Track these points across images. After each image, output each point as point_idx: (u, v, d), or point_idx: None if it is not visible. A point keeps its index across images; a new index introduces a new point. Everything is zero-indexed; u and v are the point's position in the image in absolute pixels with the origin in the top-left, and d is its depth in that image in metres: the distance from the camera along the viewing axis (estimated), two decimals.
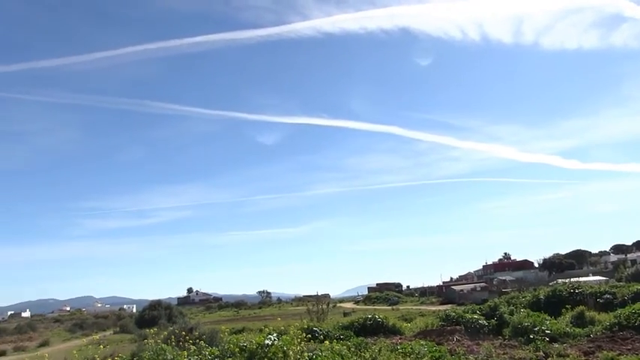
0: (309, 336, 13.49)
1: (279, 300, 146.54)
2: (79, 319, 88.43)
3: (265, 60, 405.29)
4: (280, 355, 9.89)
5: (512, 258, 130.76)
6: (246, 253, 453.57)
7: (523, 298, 31.49)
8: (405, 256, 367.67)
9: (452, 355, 13.82)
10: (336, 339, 16.21)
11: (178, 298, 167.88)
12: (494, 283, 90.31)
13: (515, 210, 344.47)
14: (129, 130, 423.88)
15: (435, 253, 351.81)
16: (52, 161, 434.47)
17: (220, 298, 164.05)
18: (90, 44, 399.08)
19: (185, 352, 10.82)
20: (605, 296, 25.77)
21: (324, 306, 35.44)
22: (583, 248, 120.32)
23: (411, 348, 14.04)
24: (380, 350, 13.57)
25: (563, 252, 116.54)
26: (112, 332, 58.47)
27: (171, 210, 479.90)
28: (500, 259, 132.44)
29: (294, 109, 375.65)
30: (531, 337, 16.79)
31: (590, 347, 15.12)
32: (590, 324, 19.45)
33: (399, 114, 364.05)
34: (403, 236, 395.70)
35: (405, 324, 24.78)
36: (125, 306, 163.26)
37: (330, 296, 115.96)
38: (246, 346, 10.30)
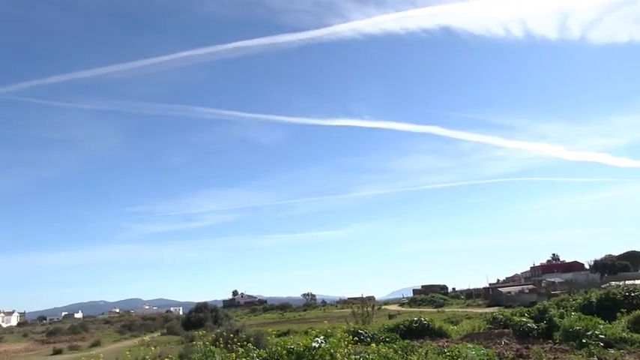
0: (356, 339, 13.48)
1: (324, 302, 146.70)
2: (128, 321, 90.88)
3: (306, 63, 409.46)
4: (327, 357, 9.90)
5: (560, 259, 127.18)
6: (290, 256, 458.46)
7: (574, 300, 30.52)
8: (450, 257, 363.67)
9: (500, 359, 13.54)
10: (382, 342, 16.15)
11: (224, 301, 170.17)
12: (542, 285, 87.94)
13: (563, 210, 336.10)
14: (173, 135, 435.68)
15: (481, 254, 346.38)
16: (100, 167, 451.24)
17: (265, 301, 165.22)
18: (132, 52, 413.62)
19: (233, 355, 10.92)
20: None
21: (369, 308, 35.32)
22: (638, 249, 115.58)
23: (459, 351, 13.81)
24: (427, 353, 13.42)
25: (615, 253, 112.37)
26: (159, 334, 59.71)
27: (216, 213, 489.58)
28: (548, 261, 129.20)
29: (335, 111, 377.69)
30: (584, 341, 16.22)
31: None
32: None
33: (441, 114, 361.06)
34: (448, 237, 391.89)
35: (451, 326, 24.43)
36: (172, 308, 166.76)
37: (374, 298, 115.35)
38: (293, 349, 10.35)
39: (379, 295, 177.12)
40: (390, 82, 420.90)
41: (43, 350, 50.08)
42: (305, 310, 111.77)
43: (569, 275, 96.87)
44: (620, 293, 25.92)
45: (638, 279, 65.25)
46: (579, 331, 17.38)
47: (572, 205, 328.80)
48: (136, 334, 59.84)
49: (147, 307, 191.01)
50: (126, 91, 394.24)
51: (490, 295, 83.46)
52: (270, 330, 19.03)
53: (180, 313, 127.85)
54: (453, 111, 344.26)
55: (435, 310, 66.07)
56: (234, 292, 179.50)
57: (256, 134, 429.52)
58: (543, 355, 14.29)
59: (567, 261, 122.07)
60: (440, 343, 17.33)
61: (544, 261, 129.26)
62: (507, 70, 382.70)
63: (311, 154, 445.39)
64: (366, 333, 18.18)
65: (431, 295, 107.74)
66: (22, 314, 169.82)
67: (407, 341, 16.69)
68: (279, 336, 21.36)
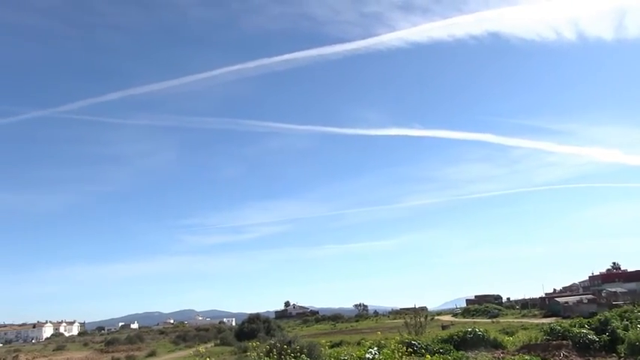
0: (409, 350, 13.34)
1: (376, 313, 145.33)
2: (182, 332, 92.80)
3: (353, 73, 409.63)
4: None
5: (622, 268, 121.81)
6: (342, 266, 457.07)
7: (639, 312, 29.22)
8: (505, 266, 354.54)
9: None
10: (436, 353, 15.91)
11: (276, 312, 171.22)
12: (602, 295, 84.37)
13: (623, 216, 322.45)
14: (224, 148, 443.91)
15: (537, 263, 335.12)
16: (153, 181, 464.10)
17: (317, 312, 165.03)
18: (183, 68, 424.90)
19: None
20: None
21: (422, 319, 34.86)
22: None
23: None
24: None
25: None
26: (212, 344, 60.57)
27: (268, 225, 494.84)
28: (608, 270, 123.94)
29: (386, 121, 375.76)
30: None
31: None
32: None
33: (491, 120, 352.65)
34: (502, 246, 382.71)
35: (506, 338, 23.81)
36: (224, 319, 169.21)
37: (427, 309, 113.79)
38: None
39: (431, 306, 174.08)
40: (439, 90, 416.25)
41: (103, 359, 51.87)
42: (357, 321, 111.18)
43: (632, 285, 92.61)
44: None
45: None
46: None
47: (632, 211, 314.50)
48: (190, 345, 61.05)
49: (200, 317, 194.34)
50: (178, 106, 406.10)
51: (546, 305, 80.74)
52: (322, 341, 19.00)
53: (233, 324, 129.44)
54: (504, 117, 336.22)
55: (490, 320, 64.50)
56: (286, 303, 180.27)
57: (305, 145, 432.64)
58: None
59: (630, 270, 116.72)
60: (495, 355, 16.93)
61: (603, 270, 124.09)
62: (558, 73, 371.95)
63: (361, 164, 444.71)
64: (419, 344, 17.93)
65: (485, 305, 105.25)
66: (82, 324, 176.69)
67: (461, 352, 16.37)
68: (331, 347, 21.37)
